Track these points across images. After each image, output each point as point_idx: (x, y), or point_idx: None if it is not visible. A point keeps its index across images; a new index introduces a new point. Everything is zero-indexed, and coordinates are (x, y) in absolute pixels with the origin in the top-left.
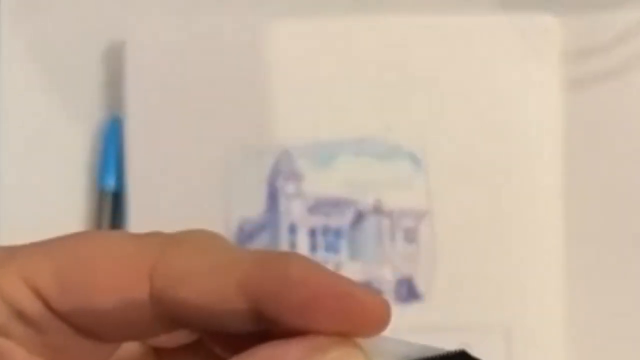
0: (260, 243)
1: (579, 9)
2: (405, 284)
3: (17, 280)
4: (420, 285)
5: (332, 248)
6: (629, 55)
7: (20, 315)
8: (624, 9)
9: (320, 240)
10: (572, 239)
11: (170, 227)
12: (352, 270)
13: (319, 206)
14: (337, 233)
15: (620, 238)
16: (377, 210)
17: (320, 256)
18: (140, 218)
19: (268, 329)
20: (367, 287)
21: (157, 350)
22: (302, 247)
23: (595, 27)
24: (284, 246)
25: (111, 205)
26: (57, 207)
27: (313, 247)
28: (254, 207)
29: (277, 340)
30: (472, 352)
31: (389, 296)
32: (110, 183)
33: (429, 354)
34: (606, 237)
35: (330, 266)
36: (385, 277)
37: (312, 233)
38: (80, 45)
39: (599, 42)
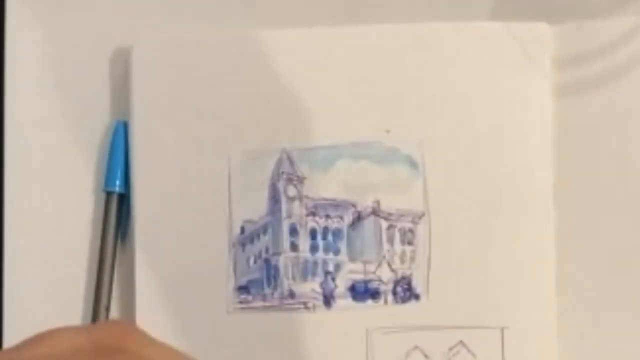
0: (261, 244)
1: (571, 16)
2: (403, 284)
3: None
4: (418, 285)
5: (331, 249)
6: (621, 62)
7: None
8: (615, 17)
9: (320, 241)
10: (564, 241)
11: (173, 227)
12: (351, 271)
13: (319, 208)
14: (337, 234)
15: (610, 240)
16: (376, 212)
17: (320, 257)
18: (145, 218)
19: None
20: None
21: None
22: (303, 248)
23: (587, 34)
24: (285, 247)
25: (117, 206)
26: (65, 208)
27: (313, 248)
28: (255, 209)
29: None
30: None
31: (388, 296)
32: (117, 184)
33: None
34: (597, 239)
35: (330, 266)
36: (384, 277)
37: (313, 234)
38: (88, 51)
39: (590, 49)
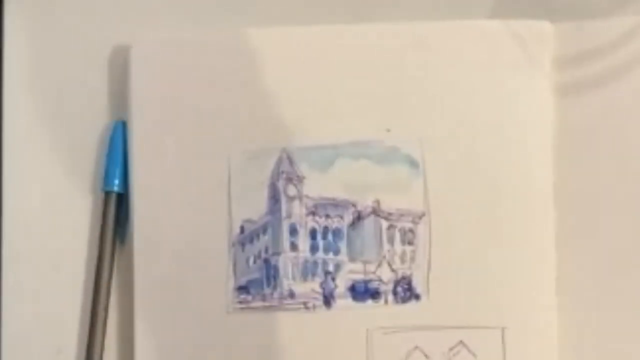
0: (261, 244)
1: (572, 15)
2: (403, 284)
3: None
4: (418, 285)
5: (331, 248)
6: (621, 62)
7: None
8: (616, 16)
9: (320, 241)
10: (564, 241)
11: (173, 227)
12: (351, 271)
13: (319, 208)
14: (337, 234)
15: (610, 240)
16: (376, 211)
17: (320, 257)
18: (144, 218)
19: None
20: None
21: None
22: (303, 247)
23: (587, 34)
24: (285, 247)
25: (116, 206)
26: (64, 207)
27: (313, 248)
28: (255, 209)
29: None
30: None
31: (388, 296)
32: (115, 184)
33: None
34: (597, 239)
35: (330, 266)
36: (384, 277)
37: (313, 234)
38: (87, 50)
39: (591, 49)
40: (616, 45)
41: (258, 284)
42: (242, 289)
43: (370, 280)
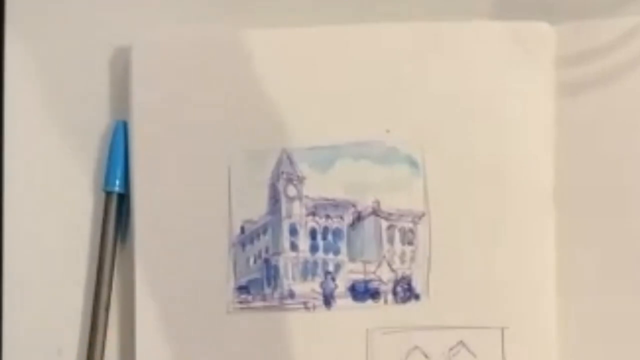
0: (261, 244)
1: (573, 16)
2: (403, 284)
3: None
4: (418, 285)
5: (331, 249)
6: (622, 62)
7: None
8: (617, 17)
9: (320, 241)
10: (564, 241)
11: (173, 227)
12: (351, 271)
13: (319, 208)
14: (337, 234)
15: (610, 239)
16: (376, 211)
17: (320, 257)
18: (145, 219)
19: None
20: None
21: None
22: (303, 248)
23: (587, 34)
24: (285, 247)
25: (117, 206)
26: (65, 208)
27: (313, 248)
28: (255, 209)
29: None
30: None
31: (388, 296)
32: (116, 184)
33: None
34: (597, 239)
35: (330, 266)
36: (384, 277)
37: (313, 234)
38: (88, 51)
39: (591, 49)
40: (616, 45)
41: (258, 284)
42: (243, 289)
43: (370, 280)
